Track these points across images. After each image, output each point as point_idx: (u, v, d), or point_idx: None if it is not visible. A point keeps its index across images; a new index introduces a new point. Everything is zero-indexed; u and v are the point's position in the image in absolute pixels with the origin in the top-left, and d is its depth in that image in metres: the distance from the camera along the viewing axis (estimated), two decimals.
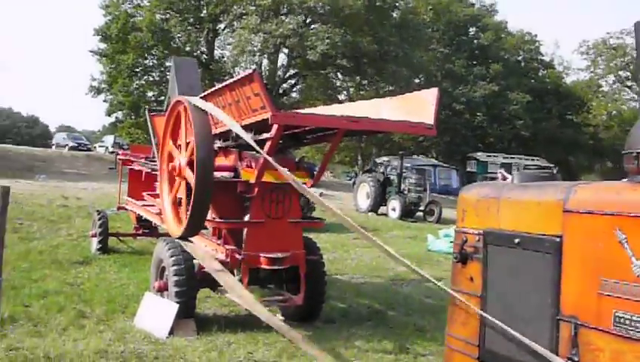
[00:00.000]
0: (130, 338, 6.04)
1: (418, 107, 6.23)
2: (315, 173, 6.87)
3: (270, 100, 5.51)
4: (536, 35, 58.83)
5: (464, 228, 2.83)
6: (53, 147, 48.31)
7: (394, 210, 21.65)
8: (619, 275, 2.08)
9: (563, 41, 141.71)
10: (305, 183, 6.56)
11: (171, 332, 6.13)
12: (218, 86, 6.50)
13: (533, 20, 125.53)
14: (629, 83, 55.96)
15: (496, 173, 34.48)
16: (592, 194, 2.25)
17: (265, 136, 5.80)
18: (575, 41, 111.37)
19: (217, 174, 6.21)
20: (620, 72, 55.52)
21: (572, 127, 54.75)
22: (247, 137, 5.33)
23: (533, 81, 55.56)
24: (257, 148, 5.17)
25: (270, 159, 5.13)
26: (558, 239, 2.32)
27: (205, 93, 6.68)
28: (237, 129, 5.50)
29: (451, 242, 14.01)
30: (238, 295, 5.80)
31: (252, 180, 6.19)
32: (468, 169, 44.85)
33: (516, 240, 2.50)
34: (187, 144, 6.23)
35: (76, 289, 7.82)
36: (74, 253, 10.21)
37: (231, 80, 6.08)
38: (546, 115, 53.93)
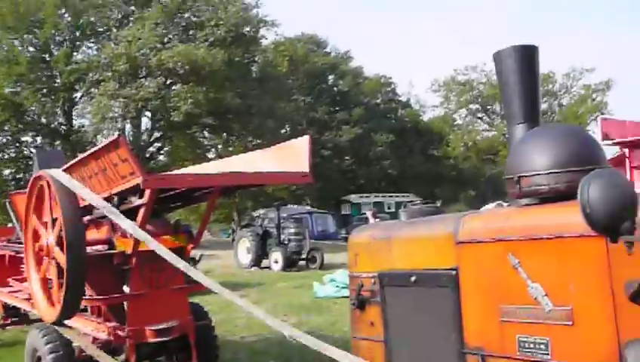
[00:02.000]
0: None
1: (292, 156, 6.21)
2: (194, 235, 6.62)
3: (139, 165, 5.27)
4: (391, 78, 61.94)
5: (358, 273, 2.78)
6: None
7: (276, 261, 21.53)
8: (517, 300, 2.10)
9: (416, 81, 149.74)
10: (185, 247, 6.34)
11: None
12: (82, 155, 6.16)
13: (385, 63, 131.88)
14: (479, 115, 59.96)
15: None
16: (481, 223, 2.27)
17: (138, 202, 5.54)
18: (427, 78, 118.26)
19: (90, 249, 5.83)
20: (471, 105, 59.45)
21: (434, 162, 57.62)
22: (107, 209, 5.08)
23: (393, 121, 58.11)
24: (123, 220, 4.95)
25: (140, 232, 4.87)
26: (453, 272, 2.31)
27: (68, 164, 6.31)
28: (95, 201, 5.23)
29: (337, 286, 14.16)
30: None
31: (128, 251, 5.86)
32: (343, 212, 45.79)
33: (412, 278, 2.47)
34: (53, 221, 5.82)
35: None
36: None
37: (95, 148, 5.77)
38: (409, 152, 56.41)
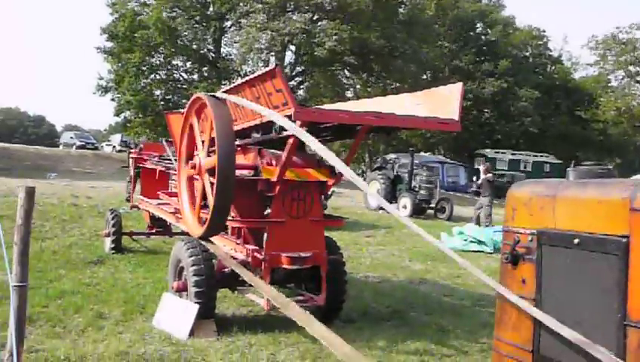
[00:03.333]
0: (150, 339, 5.94)
1: (442, 102, 6.09)
2: (335, 171, 6.72)
3: (293, 97, 5.39)
4: (544, 31, 58.58)
5: (515, 228, 2.70)
6: (61, 146, 48.40)
7: (405, 207, 21.49)
8: None
9: (571, 37, 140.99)
10: (327, 181, 6.46)
11: (191, 334, 6.03)
12: (238, 82, 6.38)
13: (541, 15, 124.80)
14: (639, 78, 55.53)
15: (505, 170, 34.38)
16: None
17: (286, 133, 5.67)
18: (584, 36, 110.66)
19: (237, 173, 6.09)
20: (630, 67, 55.04)
21: (581, 124, 54.48)
22: (292, 126, 5.05)
23: (541, 77, 55.22)
24: (308, 136, 4.78)
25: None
26: (624, 239, 2.18)
27: (224, 89, 6.56)
28: (275, 116, 5.28)
29: (465, 240, 13.97)
30: (266, 293, 5.64)
31: (273, 178, 6.07)
32: (476, 166, 44.68)
33: (575, 241, 2.36)
34: (208, 141, 6.11)
35: (92, 289, 7.73)
36: (88, 252, 10.14)
37: (251, 76, 5.94)
38: (554, 111, 53.68)
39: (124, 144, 43.95)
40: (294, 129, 4.97)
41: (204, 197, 6.30)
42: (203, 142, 6.28)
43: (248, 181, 6.28)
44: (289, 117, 5.34)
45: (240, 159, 6.58)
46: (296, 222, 6.25)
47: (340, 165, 4.32)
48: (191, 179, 6.65)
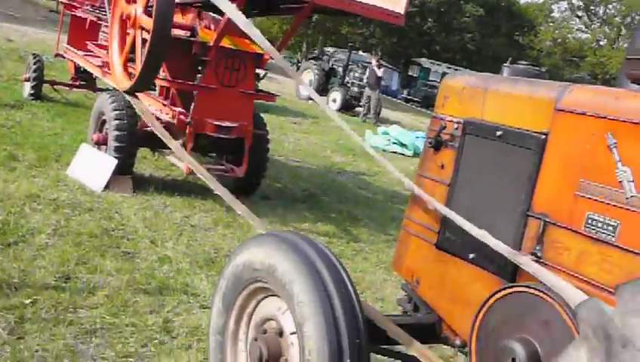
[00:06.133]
0: (63, 187, 5.88)
1: None
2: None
3: None
4: None
5: (443, 115, 2.78)
6: None
7: (334, 101, 21.54)
8: (600, 179, 2.09)
9: None
10: (264, 56, 6.36)
11: (107, 187, 6.00)
12: None
13: None
14: (579, 13, 56.37)
15: (437, 81, 34.70)
16: (588, 96, 2.21)
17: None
18: None
19: (173, 32, 5.88)
20: (574, 0, 55.73)
21: (517, 48, 55.10)
22: None
23: None
24: (230, 7, 4.40)
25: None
26: (543, 136, 2.29)
27: None
28: None
29: (388, 140, 14.26)
30: (182, 157, 5.64)
31: (209, 42, 5.91)
32: (409, 73, 44.85)
33: (498, 133, 2.46)
34: None
35: (7, 131, 7.46)
36: (4, 95, 9.67)
37: None
38: (494, 31, 53.98)
39: None
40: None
41: (132, 50, 6.07)
42: None
43: (183, 41, 6.10)
44: None
45: (178, 18, 6.35)
46: (226, 91, 6.17)
47: (266, 45, 4.06)
48: (124, 31, 6.38)
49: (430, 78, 40.34)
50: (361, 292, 4.93)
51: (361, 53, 38.60)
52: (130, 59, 6.11)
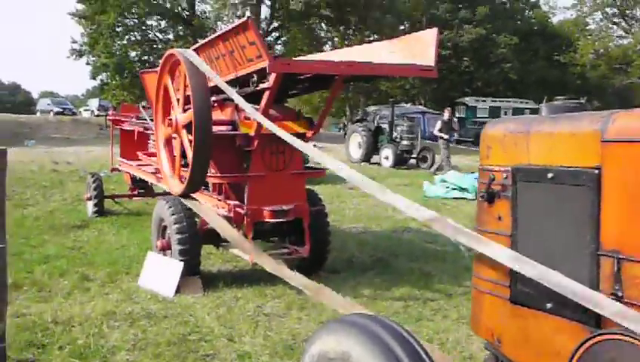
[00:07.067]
0: (136, 298, 5.97)
1: (417, 49, 6.05)
2: (314, 123, 6.69)
3: (266, 48, 5.32)
4: None
5: (489, 166, 2.71)
6: (38, 113, 47.72)
7: (387, 158, 21.55)
8: None
9: None
10: (306, 133, 6.44)
11: (178, 291, 6.07)
12: (211, 37, 6.28)
13: None
14: (616, 19, 55.42)
15: (485, 117, 34.60)
16: (633, 122, 2.12)
17: (262, 86, 5.62)
18: None
19: (215, 128, 6.04)
20: (607, 9, 54.90)
21: (559, 68, 54.46)
22: (231, 91, 5.16)
23: (519, 22, 54.99)
24: (245, 104, 4.94)
25: (260, 116, 4.95)
26: (596, 171, 2.20)
27: (198, 44, 6.46)
28: (219, 82, 5.32)
29: (447, 187, 14.07)
30: (245, 249, 5.69)
31: (251, 133, 6.04)
32: (457, 115, 44.65)
33: (549, 175, 2.38)
34: (183, 97, 6.05)
35: (77, 252, 7.71)
36: (70, 217, 10.08)
37: (224, 29, 5.86)
38: (532, 56, 53.57)
39: (102, 108, 43.43)
40: (232, 93, 5.10)
41: (183, 155, 6.26)
42: (178, 99, 6.22)
43: (226, 136, 6.24)
44: (263, 69, 5.29)
45: (217, 115, 6.52)
46: (276, 176, 6.25)
47: (281, 133, 4.40)
48: (169, 138, 6.60)
49: (478, 115, 40.02)
50: (447, 353, 4.78)
51: (403, 104, 38.84)
52: (183, 165, 6.31)
